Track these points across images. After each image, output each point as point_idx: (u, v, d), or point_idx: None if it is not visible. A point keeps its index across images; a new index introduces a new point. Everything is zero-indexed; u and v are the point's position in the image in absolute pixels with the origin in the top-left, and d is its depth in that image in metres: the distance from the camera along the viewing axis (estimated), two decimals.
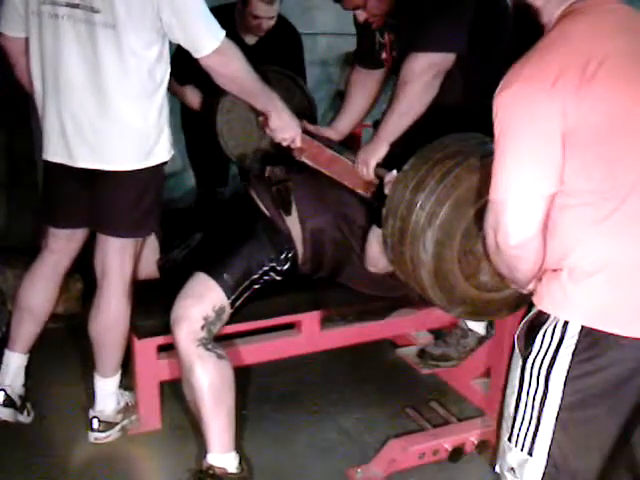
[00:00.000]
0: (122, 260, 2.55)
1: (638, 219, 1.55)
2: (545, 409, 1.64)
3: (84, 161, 2.41)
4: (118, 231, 2.51)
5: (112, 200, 2.48)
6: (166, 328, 2.49)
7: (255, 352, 2.83)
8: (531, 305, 1.72)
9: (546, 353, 1.63)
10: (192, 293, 2.51)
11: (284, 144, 2.72)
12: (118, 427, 2.70)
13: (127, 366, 2.73)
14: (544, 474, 1.67)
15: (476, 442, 2.67)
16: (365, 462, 2.60)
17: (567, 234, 1.59)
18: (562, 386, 1.61)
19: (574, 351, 1.59)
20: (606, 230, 1.55)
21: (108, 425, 2.67)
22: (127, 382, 2.76)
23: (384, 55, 2.76)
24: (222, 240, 2.72)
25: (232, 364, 2.49)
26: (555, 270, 1.62)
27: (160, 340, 2.66)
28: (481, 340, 2.94)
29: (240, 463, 2.43)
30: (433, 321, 3.11)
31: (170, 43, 2.39)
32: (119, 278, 2.55)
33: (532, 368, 1.66)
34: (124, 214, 2.49)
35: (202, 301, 2.49)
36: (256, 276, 2.62)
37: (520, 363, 1.70)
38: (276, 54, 3.36)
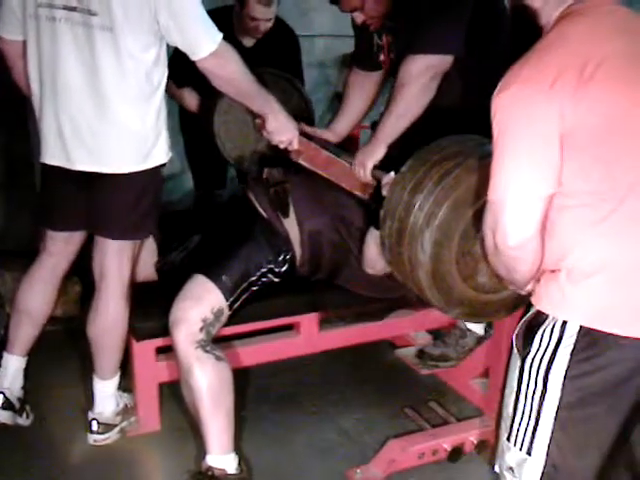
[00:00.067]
0: (120, 262, 2.55)
1: (636, 220, 1.55)
2: (544, 408, 1.65)
3: (82, 164, 2.41)
4: (116, 233, 2.51)
5: (110, 203, 2.48)
6: (165, 330, 2.49)
7: (254, 353, 2.83)
8: (529, 305, 1.73)
9: (544, 353, 1.63)
10: (190, 295, 2.51)
11: (281, 146, 2.72)
12: (117, 429, 2.70)
13: (126, 368, 2.73)
14: (543, 473, 1.68)
15: (475, 442, 2.68)
16: (364, 462, 2.60)
17: (565, 235, 1.59)
18: (561, 385, 1.61)
19: (572, 351, 1.59)
20: (604, 231, 1.56)
21: (107, 427, 2.67)
22: (126, 384, 2.76)
23: (382, 57, 2.76)
24: (220, 242, 2.72)
25: (231, 366, 2.49)
26: (553, 271, 1.63)
27: (159, 342, 2.66)
28: (480, 340, 2.95)
29: (239, 464, 2.43)
30: (432, 322, 3.12)
31: (168, 46, 2.39)
32: (117, 280, 2.56)
33: (531, 368, 1.66)
34: (122, 216, 2.49)
35: (200, 303, 2.49)
36: (254, 278, 2.62)
37: (519, 363, 1.70)
38: (274, 56, 3.36)
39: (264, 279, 2.65)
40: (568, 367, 1.60)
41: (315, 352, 2.96)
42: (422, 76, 2.47)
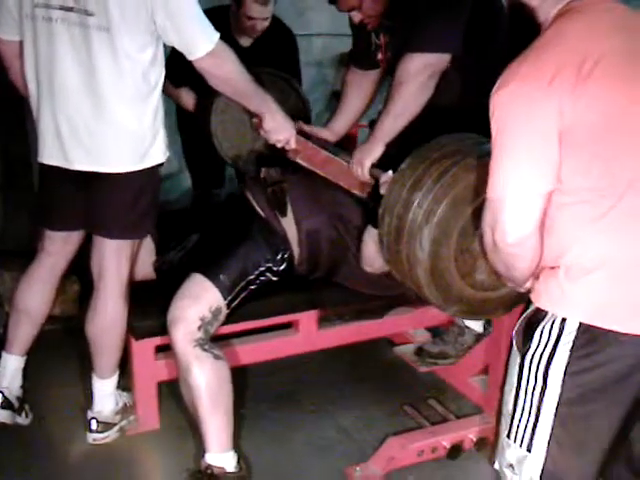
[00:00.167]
0: (118, 262, 2.55)
1: (635, 216, 1.56)
2: (544, 405, 1.65)
3: (80, 163, 2.42)
4: (114, 233, 2.51)
5: (108, 202, 2.48)
6: (163, 329, 2.50)
7: (252, 352, 2.83)
8: (529, 302, 1.73)
9: (544, 349, 1.63)
10: (189, 294, 2.52)
11: (278, 145, 2.72)
12: (116, 428, 2.70)
13: (125, 367, 2.73)
14: (543, 470, 1.68)
15: (474, 439, 2.68)
16: (364, 460, 2.61)
17: (564, 232, 1.60)
18: (560, 382, 1.62)
19: (572, 347, 1.60)
20: (603, 227, 1.56)
21: (106, 426, 2.67)
22: (125, 383, 2.77)
23: (379, 56, 2.76)
24: (218, 241, 2.72)
25: (229, 364, 2.50)
26: (553, 268, 1.63)
27: (157, 341, 2.66)
28: (479, 338, 2.95)
29: (238, 462, 2.44)
30: (430, 319, 3.12)
31: (165, 46, 2.39)
32: (116, 280, 2.56)
33: (530, 365, 1.66)
34: (120, 216, 2.49)
35: (198, 302, 2.49)
36: (252, 277, 2.62)
37: (518, 360, 1.70)
38: (271, 56, 3.36)
39: (262, 278, 2.65)
40: (568, 364, 1.61)
41: (314, 350, 2.96)
42: (420, 74, 2.47)
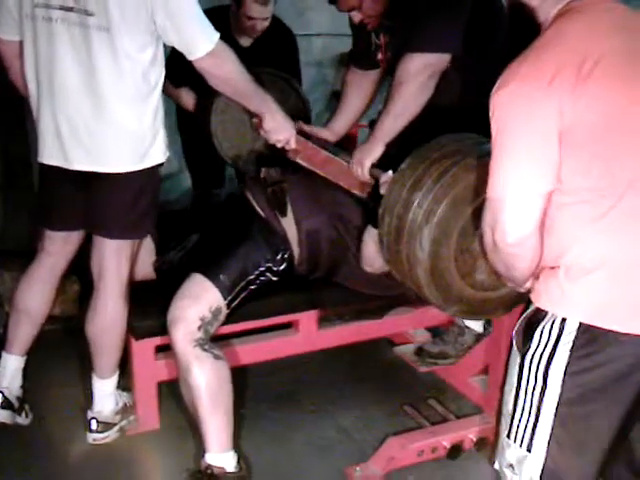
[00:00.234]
0: (118, 262, 2.55)
1: (635, 217, 1.56)
2: (544, 405, 1.65)
3: (80, 164, 2.41)
4: (114, 233, 2.51)
5: (108, 202, 2.48)
6: (163, 329, 2.50)
7: (252, 352, 2.83)
8: (529, 302, 1.73)
9: (544, 349, 1.63)
10: (189, 294, 2.52)
11: (278, 146, 2.72)
12: (116, 428, 2.70)
13: (125, 367, 2.73)
14: (543, 470, 1.68)
15: (474, 439, 2.68)
16: (364, 460, 2.61)
17: (564, 232, 1.60)
18: (560, 382, 1.62)
19: (572, 347, 1.60)
20: (603, 227, 1.56)
21: (106, 426, 2.67)
22: (125, 383, 2.77)
23: (380, 56, 2.76)
24: (218, 241, 2.72)
25: (229, 364, 2.50)
26: (553, 268, 1.63)
27: (157, 341, 2.66)
28: (479, 338, 2.95)
29: (238, 462, 2.44)
30: (430, 319, 3.12)
31: (165, 45, 2.39)
32: (116, 280, 2.56)
33: (530, 365, 1.66)
34: (120, 216, 2.49)
35: (198, 302, 2.49)
36: (252, 277, 2.62)
37: (518, 360, 1.70)
38: (271, 56, 3.36)
39: (262, 278, 2.65)
40: (568, 364, 1.61)
41: (314, 350, 2.96)
42: (420, 74, 2.47)
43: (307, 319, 2.88)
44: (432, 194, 2.02)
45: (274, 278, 2.69)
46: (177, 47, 2.35)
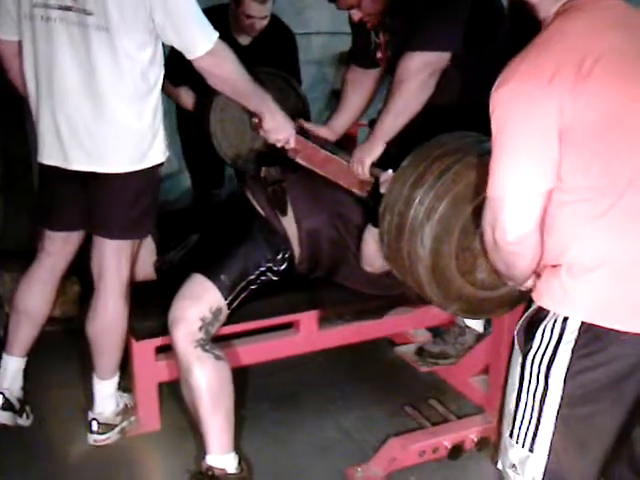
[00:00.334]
0: (119, 262, 2.55)
1: (635, 216, 1.55)
2: (546, 405, 1.65)
3: (79, 164, 2.41)
4: (114, 233, 2.51)
5: (108, 202, 2.48)
6: (164, 329, 2.49)
7: (253, 352, 2.83)
8: (530, 301, 1.73)
9: (546, 349, 1.63)
10: (189, 294, 2.51)
11: (278, 145, 2.72)
12: (117, 429, 2.69)
13: (125, 368, 2.73)
14: (545, 470, 1.68)
15: (476, 439, 2.67)
16: (365, 461, 2.60)
17: (565, 230, 1.59)
18: (562, 382, 1.61)
19: (574, 347, 1.59)
20: (604, 226, 1.55)
21: (107, 427, 2.67)
22: (126, 384, 2.76)
23: (379, 54, 2.76)
24: (218, 241, 2.72)
25: (230, 364, 2.50)
26: (554, 266, 1.63)
27: (158, 341, 2.65)
28: (479, 337, 2.94)
29: (239, 463, 2.44)
30: (431, 319, 3.11)
31: (164, 45, 2.38)
32: (116, 280, 2.55)
33: (532, 364, 1.66)
34: (120, 216, 2.49)
35: (199, 302, 2.49)
36: (253, 277, 2.62)
37: (520, 359, 1.70)
38: (270, 54, 3.36)
39: (263, 278, 2.65)
40: (570, 363, 1.60)
41: (314, 350, 2.96)
42: (421, 73, 2.47)
43: (308, 319, 2.88)
44: (433, 191, 2.02)
45: (275, 278, 2.69)
46: (176, 46, 2.35)
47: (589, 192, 1.55)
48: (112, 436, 2.68)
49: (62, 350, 3.18)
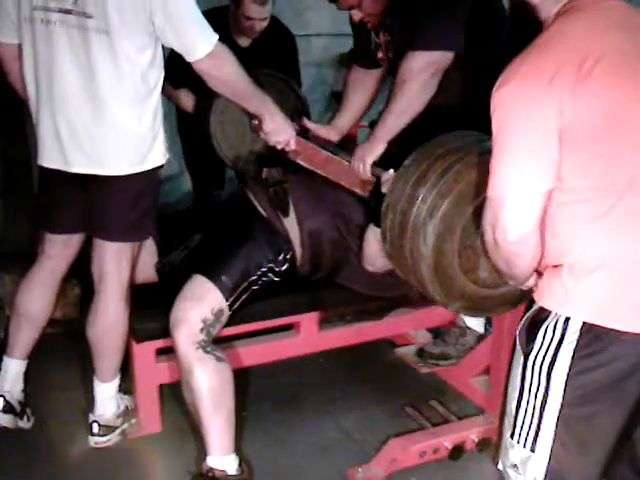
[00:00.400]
0: (119, 264, 2.55)
1: (635, 216, 1.55)
2: (547, 406, 1.65)
3: (79, 166, 2.41)
4: (114, 235, 2.51)
5: (108, 205, 2.48)
6: (165, 331, 2.49)
7: (254, 353, 2.83)
8: (532, 301, 1.73)
9: (547, 350, 1.63)
10: (191, 296, 2.51)
11: (278, 147, 2.72)
12: (118, 431, 2.69)
13: (126, 370, 2.73)
14: (547, 470, 1.68)
15: (476, 440, 2.67)
16: (365, 461, 2.60)
17: (565, 230, 1.60)
18: (564, 382, 1.62)
19: (575, 347, 1.59)
20: (604, 226, 1.56)
21: (108, 429, 2.66)
22: (126, 386, 2.76)
23: (380, 55, 2.76)
24: (220, 242, 2.72)
25: (231, 366, 2.49)
26: (556, 266, 1.63)
27: (159, 343, 2.65)
28: (480, 338, 2.94)
29: (240, 465, 2.43)
30: (432, 320, 3.12)
31: (163, 47, 2.39)
32: (116, 282, 2.55)
33: (534, 365, 1.66)
34: (120, 218, 2.49)
35: (201, 304, 2.49)
36: (254, 277, 2.62)
37: (522, 360, 1.70)
38: (270, 56, 3.36)
39: (264, 278, 2.65)
40: (571, 364, 1.60)
41: (315, 352, 2.96)
42: (423, 72, 2.47)
43: (308, 321, 2.88)
44: (436, 189, 2.02)
45: (276, 279, 2.68)
46: (176, 49, 2.35)
47: (589, 192, 1.55)
48: (113, 438, 2.68)
49: (63, 352, 3.18)
